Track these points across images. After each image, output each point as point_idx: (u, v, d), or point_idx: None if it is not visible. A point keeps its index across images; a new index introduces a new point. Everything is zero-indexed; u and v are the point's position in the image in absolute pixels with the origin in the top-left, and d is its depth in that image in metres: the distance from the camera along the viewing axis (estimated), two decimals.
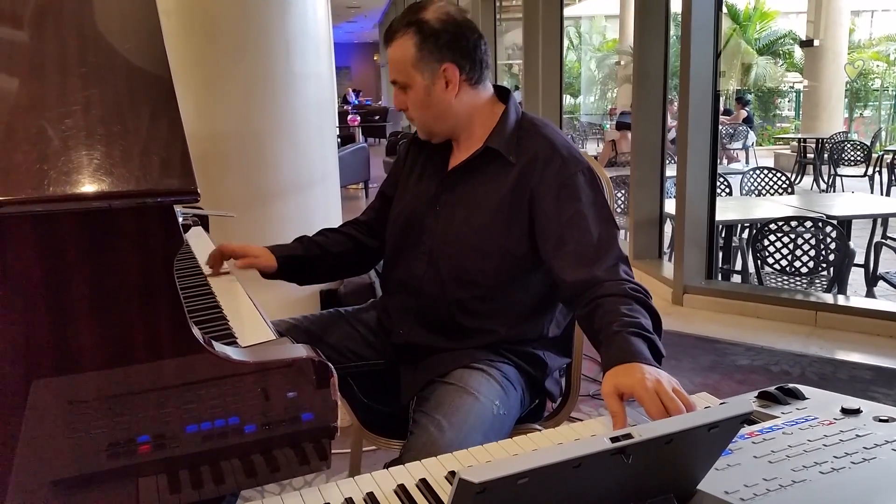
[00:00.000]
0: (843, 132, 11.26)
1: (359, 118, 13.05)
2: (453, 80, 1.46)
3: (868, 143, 9.50)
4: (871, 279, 4.15)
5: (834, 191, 8.92)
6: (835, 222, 3.89)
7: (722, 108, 11.61)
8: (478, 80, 1.50)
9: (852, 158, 9.12)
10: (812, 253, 3.84)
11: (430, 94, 1.47)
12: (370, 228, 1.74)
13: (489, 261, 1.48)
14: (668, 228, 5.03)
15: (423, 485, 0.90)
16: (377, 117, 17.08)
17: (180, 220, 1.65)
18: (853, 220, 4.51)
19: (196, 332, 0.93)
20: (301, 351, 1.00)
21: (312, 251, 1.67)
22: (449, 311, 1.51)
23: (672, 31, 4.88)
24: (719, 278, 4.52)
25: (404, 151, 1.69)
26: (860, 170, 8.99)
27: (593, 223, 1.40)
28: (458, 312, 1.51)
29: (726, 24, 14.95)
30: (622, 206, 5.37)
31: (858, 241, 4.42)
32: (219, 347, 0.96)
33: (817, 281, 4.00)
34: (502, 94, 1.57)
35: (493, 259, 1.47)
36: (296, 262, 1.65)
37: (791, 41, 15.91)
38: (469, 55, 1.47)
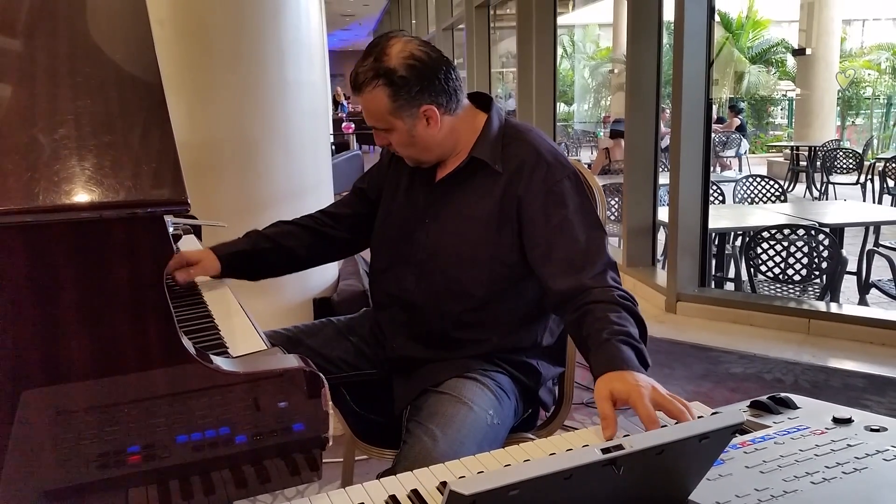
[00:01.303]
0: (835, 140, 11.30)
1: (353, 125, 13.06)
2: (434, 117, 1.44)
3: (860, 151, 9.54)
4: (864, 287, 4.16)
5: (826, 198, 8.94)
6: (827, 230, 3.89)
7: (715, 117, 11.66)
8: (456, 108, 1.48)
9: (844, 166, 9.16)
10: (805, 261, 3.84)
11: (413, 134, 1.45)
12: (337, 220, 1.70)
13: (482, 271, 1.47)
14: (661, 236, 5.04)
15: (415, 495, 0.89)
16: None
17: (171, 229, 1.64)
18: (845, 228, 4.52)
19: (186, 342, 0.93)
20: (292, 361, 1.00)
21: (260, 245, 1.64)
22: (442, 323, 1.51)
23: (665, 40, 4.90)
24: (712, 286, 4.52)
25: (387, 160, 1.67)
26: (852, 177, 9.02)
27: (580, 229, 1.40)
28: (451, 324, 1.50)
29: (719, 32, 15.03)
30: (615, 213, 5.38)
31: (851, 249, 4.44)
32: (209, 358, 0.96)
33: (810, 289, 4.01)
34: (482, 101, 1.55)
35: (486, 269, 1.47)
36: (241, 257, 1.61)
37: (783, 50, 16.00)
38: (443, 91, 1.44)
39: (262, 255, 1.64)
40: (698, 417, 1.02)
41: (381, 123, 1.45)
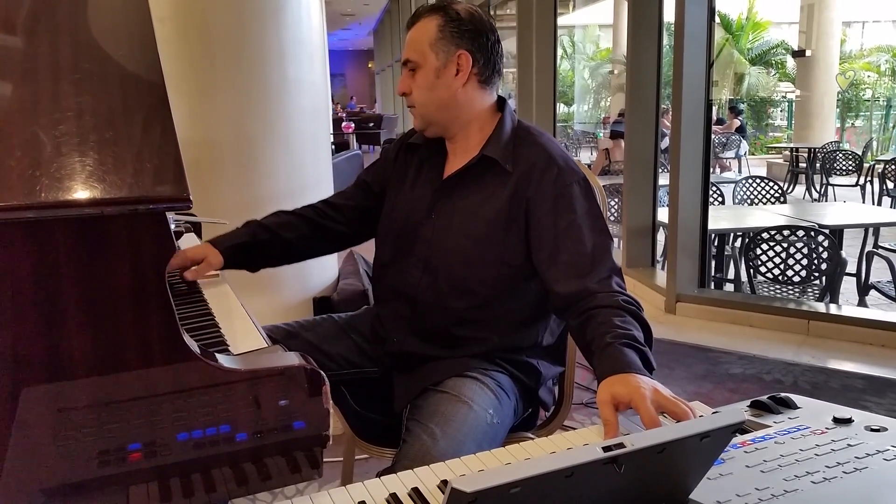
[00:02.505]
0: (834, 142, 11.31)
1: (353, 125, 13.07)
2: (465, 68, 1.48)
3: (859, 153, 9.55)
4: (863, 288, 4.16)
5: (826, 200, 8.96)
6: (827, 231, 3.90)
7: (715, 118, 11.66)
8: (487, 81, 1.51)
9: (844, 168, 9.17)
10: (804, 262, 3.85)
11: (439, 76, 1.48)
12: (338, 211, 1.71)
13: (487, 270, 1.47)
14: (660, 237, 5.04)
15: (416, 494, 0.89)
16: (371, 124, 17.11)
17: (172, 226, 1.64)
18: (845, 230, 4.53)
19: (188, 339, 0.93)
20: (293, 359, 0.99)
21: (260, 236, 1.64)
22: (443, 319, 1.51)
23: (665, 41, 4.90)
24: (712, 287, 4.53)
25: (394, 154, 1.68)
26: (852, 179, 9.03)
27: (588, 234, 1.40)
28: (452, 321, 1.50)
29: (719, 34, 15.05)
30: (615, 214, 5.39)
31: (850, 251, 4.44)
32: (210, 355, 0.96)
33: (809, 290, 4.02)
34: (497, 102, 1.57)
35: (491, 268, 1.47)
36: (242, 249, 1.61)
37: (783, 51, 16.01)
38: (485, 52, 1.49)
39: (262, 246, 1.64)
40: (699, 417, 1.02)
41: (415, 55, 1.49)
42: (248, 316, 1.36)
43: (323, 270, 3.52)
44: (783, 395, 1.07)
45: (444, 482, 0.91)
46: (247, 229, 1.65)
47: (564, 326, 1.61)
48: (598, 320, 1.26)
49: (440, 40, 1.47)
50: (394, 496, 0.89)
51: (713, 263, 4.67)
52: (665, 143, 5.78)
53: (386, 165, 1.69)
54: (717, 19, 9.36)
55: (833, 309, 3.90)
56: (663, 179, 4.81)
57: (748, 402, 1.07)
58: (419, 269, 1.53)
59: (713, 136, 7.71)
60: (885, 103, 15.26)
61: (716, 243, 4.69)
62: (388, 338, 1.59)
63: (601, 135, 13.36)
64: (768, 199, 5.62)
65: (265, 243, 1.64)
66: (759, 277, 3.99)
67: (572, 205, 1.43)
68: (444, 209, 1.52)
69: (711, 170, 5.00)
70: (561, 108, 16.98)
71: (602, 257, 1.39)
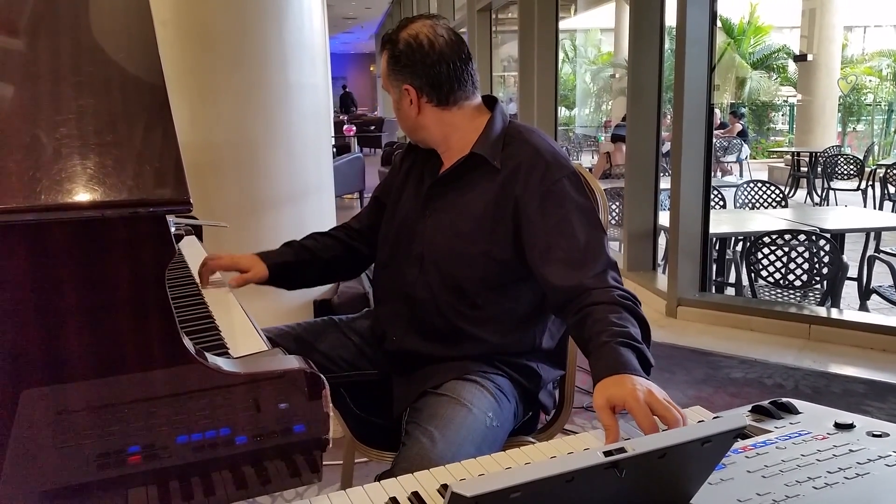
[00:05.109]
0: (836, 146, 11.30)
1: (354, 128, 13.07)
2: (413, 99, 1.52)
3: (861, 158, 9.54)
4: (865, 293, 4.16)
5: (827, 204, 8.95)
6: (828, 236, 3.89)
7: (718, 122, 11.65)
8: (444, 101, 1.52)
9: (845, 172, 9.17)
10: (805, 266, 3.85)
11: (399, 108, 1.56)
12: (360, 234, 1.76)
13: (474, 266, 1.48)
14: (661, 241, 5.03)
15: (416, 498, 0.89)
16: (373, 127, 17.12)
17: (173, 229, 1.64)
18: (846, 234, 4.52)
19: (187, 342, 0.93)
20: (293, 362, 0.99)
21: (302, 256, 1.68)
22: (440, 316, 1.51)
23: (667, 45, 4.91)
24: (713, 291, 4.52)
25: (399, 160, 1.71)
26: (853, 184, 9.03)
27: (580, 228, 1.40)
28: (449, 318, 1.50)
29: (720, 38, 15.04)
30: (616, 217, 5.39)
31: (851, 255, 4.43)
32: (210, 358, 0.96)
33: (811, 294, 4.01)
34: (488, 102, 1.58)
35: (478, 265, 1.48)
36: (286, 268, 1.66)
37: (785, 56, 16.02)
38: (429, 78, 1.50)
39: (303, 266, 1.69)
40: (699, 422, 1.02)
41: (385, 85, 1.58)
42: (249, 319, 1.36)
43: None
44: (784, 399, 1.06)
45: (444, 486, 0.91)
46: (290, 249, 1.70)
47: (565, 330, 1.61)
48: (594, 318, 1.26)
49: (389, 77, 1.54)
50: (393, 500, 0.88)
51: (714, 267, 4.66)
52: (666, 146, 5.78)
53: (392, 173, 1.72)
54: (719, 23, 9.38)
55: (834, 313, 3.90)
56: (665, 183, 4.81)
57: (749, 407, 1.06)
58: (416, 267, 1.54)
59: (714, 140, 7.71)
60: (887, 108, 15.25)
61: (717, 247, 4.68)
62: (387, 336, 1.60)
63: (602, 138, 13.36)
64: (769, 204, 5.62)
65: (306, 264, 1.69)
66: (761, 281, 3.98)
67: (562, 200, 1.42)
68: (436, 207, 1.54)
69: (713, 174, 5.00)
70: (562, 112, 16.99)
71: (596, 251, 1.38)
